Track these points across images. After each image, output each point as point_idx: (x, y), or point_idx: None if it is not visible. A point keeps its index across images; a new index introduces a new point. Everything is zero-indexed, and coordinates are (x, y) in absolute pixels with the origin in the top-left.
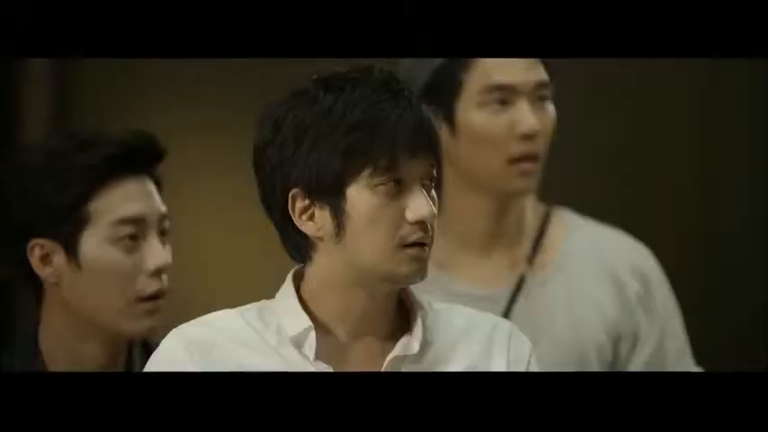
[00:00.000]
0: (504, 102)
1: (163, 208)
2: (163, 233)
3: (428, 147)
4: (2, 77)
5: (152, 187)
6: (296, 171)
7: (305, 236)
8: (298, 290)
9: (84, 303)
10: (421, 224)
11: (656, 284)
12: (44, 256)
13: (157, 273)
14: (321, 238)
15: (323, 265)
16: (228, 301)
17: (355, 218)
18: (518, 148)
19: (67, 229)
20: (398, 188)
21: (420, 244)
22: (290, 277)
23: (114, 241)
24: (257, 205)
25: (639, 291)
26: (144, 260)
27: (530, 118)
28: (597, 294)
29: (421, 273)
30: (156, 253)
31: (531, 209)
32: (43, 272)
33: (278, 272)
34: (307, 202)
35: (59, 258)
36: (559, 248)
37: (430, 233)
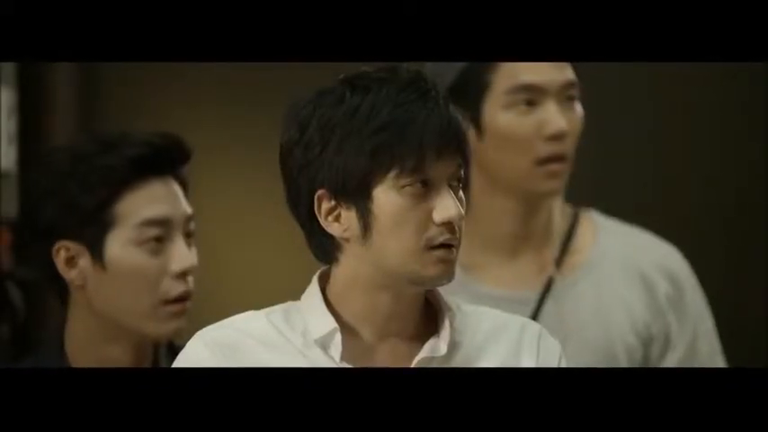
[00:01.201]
0: (532, 102)
1: (188, 209)
2: (188, 235)
3: (456, 147)
4: (28, 80)
5: (177, 189)
6: (322, 172)
7: (331, 237)
8: (324, 291)
9: (110, 306)
10: (448, 225)
11: (686, 285)
12: (69, 259)
13: (183, 275)
14: (347, 240)
15: (349, 266)
16: (254, 302)
17: (382, 220)
18: (546, 149)
19: (93, 232)
20: (425, 189)
21: (447, 245)
22: (315, 279)
23: (139, 243)
24: (282, 206)
25: (670, 292)
26: (169, 262)
27: (557, 118)
28: (627, 296)
29: (448, 275)
30: (182, 255)
31: (558, 210)
32: (69, 274)
33: (303, 273)
34: (333, 203)
35: (85, 261)
36: (588, 250)
37: (457, 234)
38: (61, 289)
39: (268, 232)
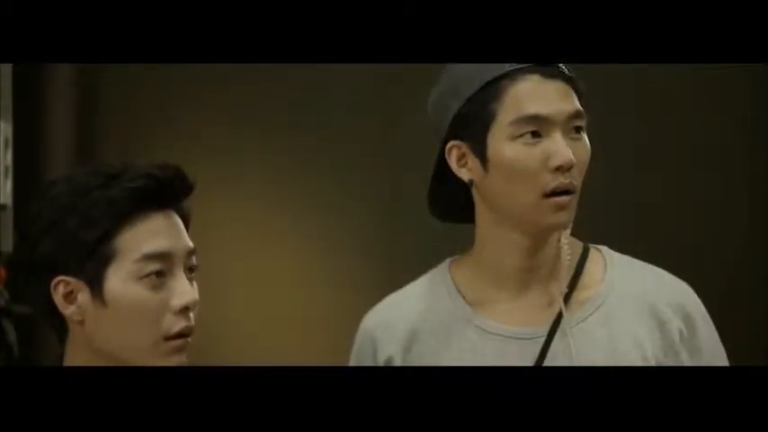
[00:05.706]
0: (538, 133)
1: (190, 243)
2: (190, 269)
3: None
4: (24, 112)
5: (179, 222)
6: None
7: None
8: None
9: (110, 342)
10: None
11: (699, 322)
12: (68, 294)
13: (184, 311)
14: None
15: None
16: (255, 335)
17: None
18: (553, 182)
19: (92, 266)
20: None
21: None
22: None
23: (140, 278)
24: (285, 239)
25: (682, 329)
26: (171, 298)
27: (564, 150)
28: (638, 333)
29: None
30: (183, 290)
31: (567, 244)
32: (67, 310)
33: (304, 305)
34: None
35: (84, 296)
36: (598, 286)
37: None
38: (59, 325)
39: (270, 266)
